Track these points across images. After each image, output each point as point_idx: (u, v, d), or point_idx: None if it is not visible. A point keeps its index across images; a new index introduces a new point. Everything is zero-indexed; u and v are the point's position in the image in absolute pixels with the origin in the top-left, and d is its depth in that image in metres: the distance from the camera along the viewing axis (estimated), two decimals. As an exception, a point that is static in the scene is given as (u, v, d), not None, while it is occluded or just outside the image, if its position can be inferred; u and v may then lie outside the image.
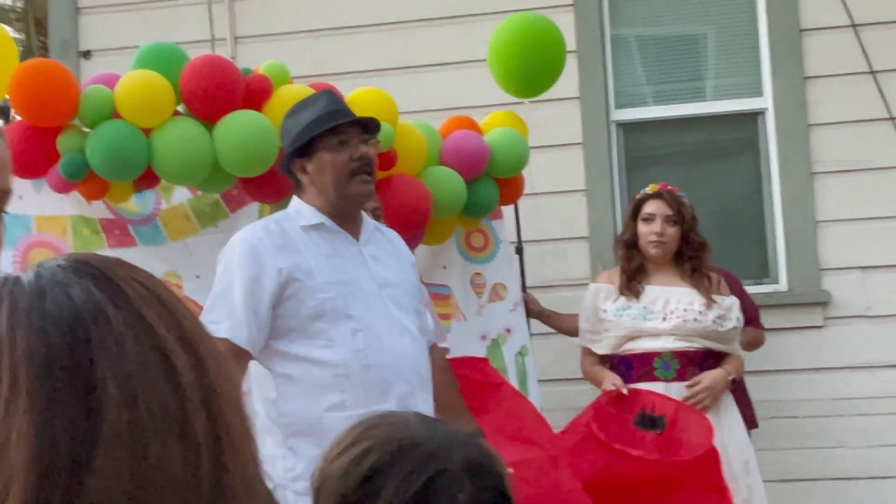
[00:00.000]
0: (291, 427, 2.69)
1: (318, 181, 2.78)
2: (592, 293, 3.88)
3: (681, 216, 3.78)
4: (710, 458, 3.40)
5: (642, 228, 3.81)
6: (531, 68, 3.94)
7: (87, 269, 0.77)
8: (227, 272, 2.72)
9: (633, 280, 3.78)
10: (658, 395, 3.59)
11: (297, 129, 2.79)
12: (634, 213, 3.85)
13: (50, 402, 0.69)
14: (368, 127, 2.83)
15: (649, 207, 3.80)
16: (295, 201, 2.87)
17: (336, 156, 2.74)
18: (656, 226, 3.76)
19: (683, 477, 3.36)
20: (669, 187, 3.86)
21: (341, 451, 1.30)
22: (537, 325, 4.44)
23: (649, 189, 3.86)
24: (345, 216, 2.82)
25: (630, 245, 3.84)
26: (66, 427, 0.69)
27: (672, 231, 3.77)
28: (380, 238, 2.92)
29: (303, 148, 2.77)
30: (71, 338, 0.71)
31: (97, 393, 0.70)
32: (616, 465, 3.39)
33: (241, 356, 2.66)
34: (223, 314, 2.66)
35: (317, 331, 2.68)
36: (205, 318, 2.65)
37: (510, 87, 4.05)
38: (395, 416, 1.36)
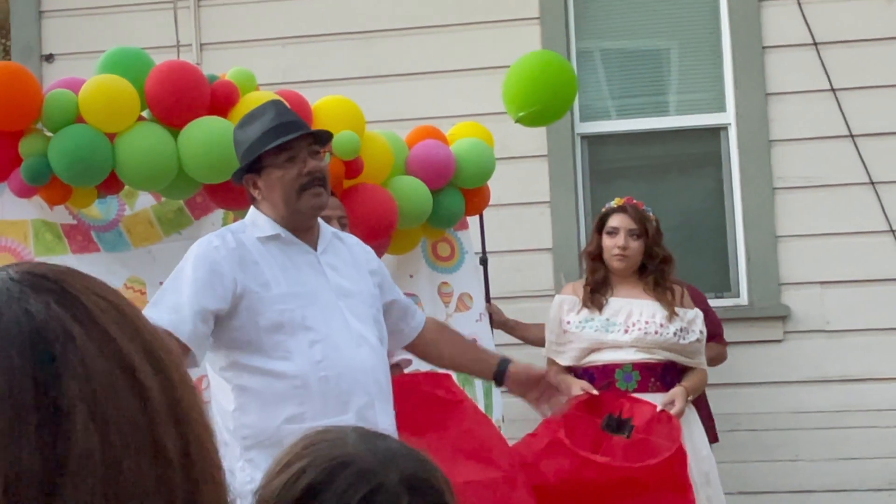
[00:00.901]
0: (250, 439, 2.66)
1: (269, 197, 2.75)
2: (557, 305, 3.90)
3: (644, 230, 3.81)
4: (677, 459, 3.42)
5: (606, 241, 3.83)
6: (550, 103, 4.02)
7: (45, 283, 0.72)
8: (179, 271, 2.68)
9: (596, 292, 3.81)
10: (630, 398, 3.61)
11: (247, 143, 2.75)
12: (599, 226, 3.88)
13: (13, 429, 0.64)
14: (319, 137, 2.81)
15: (613, 221, 3.83)
16: (252, 212, 2.83)
17: (285, 172, 2.71)
18: (620, 239, 3.80)
19: (648, 480, 3.38)
20: (634, 201, 3.89)
21: (279, 470, 1.27)
22: (501, 336, 4.44)
23: (614, 203, 3.89)
24: (299, 227, 2.79)
25: (594, 257, 3.87)
26: (33, 455, 0.64)
27: (635, 244, 3.80)
28: (338, 246, 2.90)
29: (252, 164, 2.74)
30: (34, 358, 0.67)
31: (64, 416, 0.66)
32: (582, 471, 3.40)
33: (182, 351, 2.60)
34: (168, 308, 2.61)
35: (275, 343, 2.66)
36: (149, 311, 2.60)
37: (519, 108, 4.05)
38: (333, 432, 1.33)
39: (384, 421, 2.73)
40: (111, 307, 0.72)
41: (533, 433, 3.55)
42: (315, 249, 2.81)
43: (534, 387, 3.12)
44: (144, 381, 0.70)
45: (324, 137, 2.83)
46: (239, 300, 2.64)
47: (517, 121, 4.05)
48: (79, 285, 0.73)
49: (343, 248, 2.90)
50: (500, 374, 3.06)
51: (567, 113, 4.35)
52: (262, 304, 2.65)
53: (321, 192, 2.75)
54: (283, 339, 2.66)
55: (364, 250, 3.00)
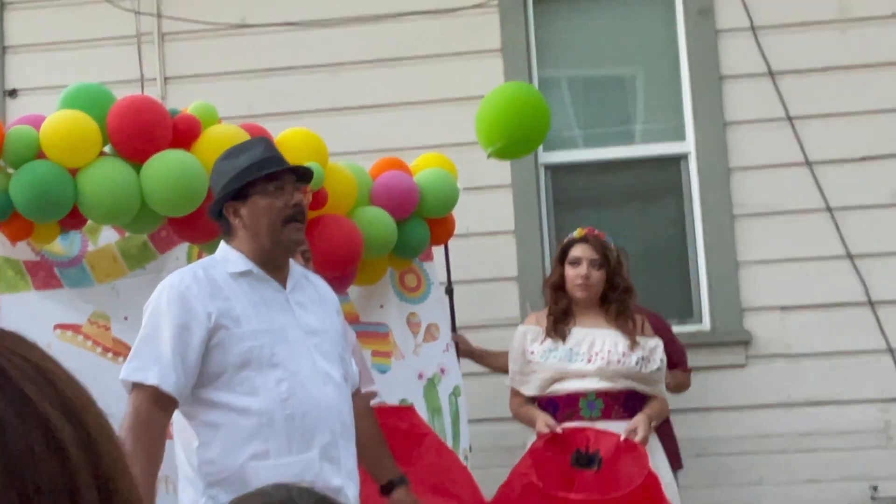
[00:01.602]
0: (213, 476, 2.65)
1: (252, 225, 2.77)
2: (520, 335, 3.94)
3: (606, 260, 3.86)
4: (650, 484, 3.46)
5: (569, 271, 3.88)
6: (523, 139, 4.06)
7: None
8: (154, 318, 2.68)
9: (559, 322, 3.85)
10: (592, 430, 3.64)
11: (233, 172, 2.76)
12: (562, 256, 3.93)
13: None
14: (302, 175, 2.85)
15: (576, 251, 3.88)
16: (223, 247, 2.84)
17: (272, 201, 2.74)
18: (582, 269, 3.84)
19: None
20: (596, 232, 3.94)
21: None
22: (468, 365, 4.47)
23: (576, 233, 3.94)
24: (273, 263, 2.80)
25: (557, 287, 3.91)
26: None
27: (597, 274, 3.85)
28: (306, 285, 2.91)
29: (237, 192, 2.76)
30: None
31: None
32: None
33: (168, 403, 2.64)
34: (150, 360, 2.63)
35: (242, 378, 2.67)
36: (131, 365, 2.64)
37: (494, 141, 4.06)
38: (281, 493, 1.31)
39: (347, 459, 2.76)
40: (30, 367, 0.72)
41: (506, 482, 3.57)
42: (284, 287, 2.83)
43: None
44: (63, 441, 0.70)
45: (307, 177, 2.88)
46: (212, 335, 2.66)
47: (489, 156, 4.07)
48: None
49: (311, 288, 2.93)
50: (386, 488, 2.97)
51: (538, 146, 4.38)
52: (231, 340, 2.67)
53: (301, 227, 2.80)
54: (251, 375, 2.67)
55: (330, 291, 3.02)
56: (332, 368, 2.80)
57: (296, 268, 2.92)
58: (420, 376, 4.23)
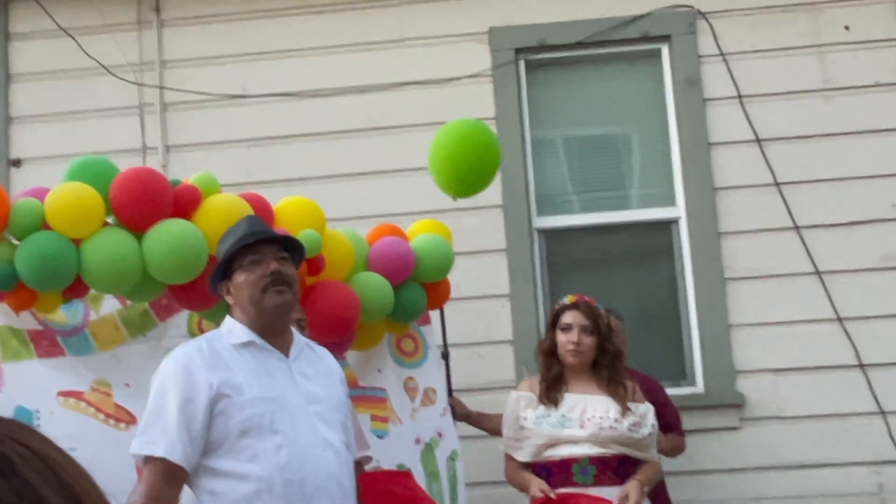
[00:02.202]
0: None
1: (238, 299, 2.91)
2: (514, 401, 3.98)
3: (597, 326, 3.92)
4: None
5: (560, 338, 3.94)
6: (472, 169, 4.11)
7: None
8: (161, 392, 2.79)
9: (552, 389, 3.89)
10: (586, 496, 3.67)
11: (222, 254, 2.94)
12: (553, 322, 3.99)
13: None
14: (288, 245, 2.98)
15: (567, 318, 3.94)
16: (227, 320, 2.97)
17: (249, 274, 2.88)
18: (573, 335, 3.90)
19: None
20: (586, 298, 4.01)
21: None
22: (464, 428, 4.50)
23: (567, 300, 4.00)
24: (271, 331, 2.91)
25: (549, 354, 3.96)
26: None
27: (588, 340, 3.91)
28: (310, 354, 3.02)
29: (224, 271, 2.92)
30: None
31: None
32: None
33: (177, 474, 2.73)
34: (158, 434, 2.73)
35: (243, 446, 2.76)
36: (141, 439, 2.75)
37: (449, 185, 4.16)
38: None
39: None
40: (32, 455, 0.77)
41: None
42: (287, 356, 2.92)
43: None
44: None
45: (291, 244, 2.99)
46: (214, 404, 2.75)
47: (455, 198, 4.17)
48: (0, 436, 0.77)
49: (315, 357, 3.03)
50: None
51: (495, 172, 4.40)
52: (233, 408, 2.76)
53: (284, 290, 2.88)
54: (252, 442, 2.75)
55: (335, 362, 3.12)
56: (333, 435, 2.87)
57: (299, 338, 3.02)
58: (417, 441, 4.26)
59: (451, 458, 4.32)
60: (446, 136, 4.17)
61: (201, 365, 2.79)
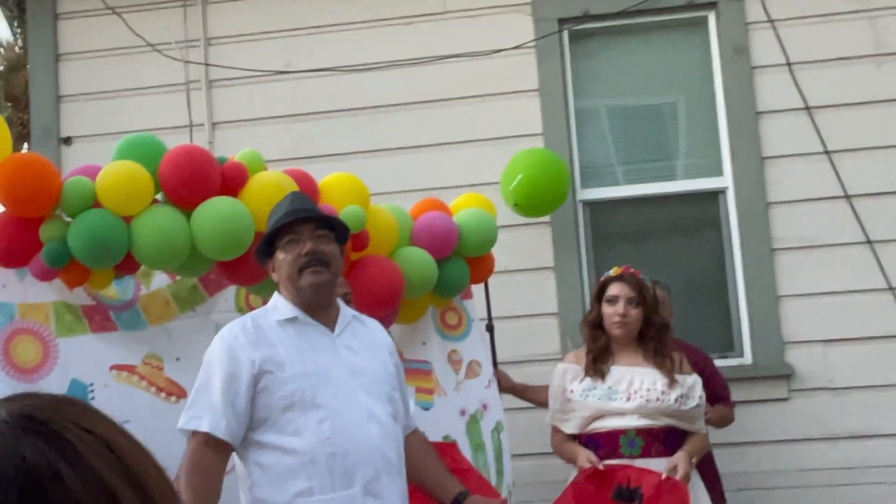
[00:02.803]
0: None
1: (280, 278, 2.97)
2: (560, 374, 3.99)
3: (643, 298, 3.91)
4: None
5: (607, 309, 3.93)
6: (545, 202, 4.48)
7: (34, 424, 0.78)
8: (207, 369, 2.87)
9: (598, 361, 3.89)
10: (633, 467, 3.68)
11: (267, 232, 2.99)
12: (599, 294, 3.98)
13: None
14: (331, 224, 2.99)
15: (613, 289, 3.93)
16: (275, 296, 3.03)
17: (286, 254, 2.93)
18: (620, 307, 3.89)
19: None
20: (632, 270, 4.00)
21: None
22: (509, 401, 4.52)
23: (613, 272, 3.99)
24: (314, 307, 2.96)
25: (595, 326, 3.96)
26: None
27: (635, 312, 3.89)
28: (357, 327, 3.05)
29: (267, 250, 2.97)
30: (29, 501, 0.73)
31: None
32: None
33: (220, 447, 2.81)
34: (203, 409, 2.81)
35: (286, 420, 2.81)
36: (187, 414, 2.84)
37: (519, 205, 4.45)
38: None
39: (392, 495, 2.85)
40: (96, 441, 0.80)
41: None
42: (333, 330, 2.96)
43: None
44: None
45: (332, 223, 3.00)
46: (257, 381, 2.82)
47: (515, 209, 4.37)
48: (64, 422, 0.80)
49: (362, 329, 3.06)
50: (455, 503, 3.04)
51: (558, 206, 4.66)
52: (275, 384, 2.82)
53: (319, 270, 2.91)
54: (295, 416, 2.81)
55: (384, 333, 3.16)
56: (378, 407, 2.90)
57: (346, 311, 3.06)
58: (462, 413, 4.29)
59: (496, 429, 4.34)
60: (539, 160, 4.38)
61: (244, 342, 2.85)
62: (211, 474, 2.79)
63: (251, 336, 2.87)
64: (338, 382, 2.87)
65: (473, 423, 4.31)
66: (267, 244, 2.97)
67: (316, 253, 2.90)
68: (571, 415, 3.89)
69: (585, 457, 3.74)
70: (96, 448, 0.79)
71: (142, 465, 0.81)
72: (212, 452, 2.79)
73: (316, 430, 2.79)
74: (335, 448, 2.79)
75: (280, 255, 2.93)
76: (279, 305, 2.98)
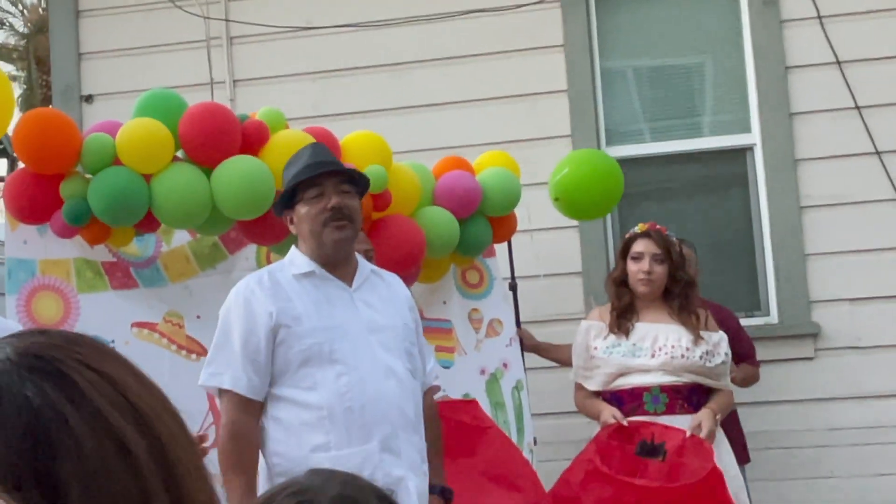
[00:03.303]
0: (279, 467, 2.78)
1: (301, 232, 2.93)
2: (584, 331, 3.96)
3: (668, 255, 3.86)
4: (714, 479, 3.47)
5: (631, 267, 3.89)
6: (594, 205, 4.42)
7: (40, 364, 0.75)
8: (224, 325, 2.85)
9: (622, 318, 3.86)
10: (657, 424, 3.66)
11: (286, 183, 2.94)
12: (624, 251, 3.94)
13: None
14: (351, 176, 2.95)
15: (638, 246, 3.88)
16: (292, 250, 2.99)
17: (310, 207, 2.88)
18: (645, 264, 3.85)
19: (690, 500, 3.42)
20: (658, 226, 3.95)
21: None
22: (532, 360, 4.51)
23: (638, 228, 3.95)
24: (333, 262, 2.92)
25: (620, 283, 3.92)
26: None
27: (660, 269, 3.85)
28: (375, 282, 3.02)
29: (287, 201, 2.92)
30: (32, 443, 0.71)
31: (61, 497, 0.70)
32: (623, 496, 3.45)
33: (250, 408, 2.80)
34: (223, 365, 2.81)
35: (304, 374, 2.80)
36: (207, 370, 2.83)
37: (566, 196, 4.40)
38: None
39: (409, 451, 2.84)
40: (101, 380, 0.77)
41: (569, 468, 3.61)
42: (350, 285, 2.93)
43: None
44: (136, 451, 0.75)
45: (356, 176, 2.96)
46: (275, 334, 2.79)
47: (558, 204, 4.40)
48: (71, 362, 0.77)
49: (381, 284, 3.03)
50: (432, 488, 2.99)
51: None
52: (293, 338, 2.80)
53: (344, 225, 2.88)
54: (312, 371, 2.79)
55: (403, 287, 3.12)
56: (396, 362, 2.88)
57: (364, 266, 3.02)
58: (482, 372, 4.28)
59: (517, 388, 4.33)
60: (598, 164, 4.36)
61: (261, 297, 2.82)
62: (247, 438, 2.79)
63: (267, 290, 2.84)
64: (355, 337, 2.85)
65: (493, 381, 4.30)
66: (288, 195, 2.92)
67: (342, 208, 2.87)
68: (595, 371, 3.86)
69: (610, 413, 3.72)
70: (100, 387, 0.76)
71: (153, 410, 0.79)
72: (243, 416, 2.79)
73: (333, 384, 2.78)
74: (352, 403, 2.77)
75: (303, 209, 2.89)
76: (296, 259, 2.94)
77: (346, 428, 2.76)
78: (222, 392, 2.80)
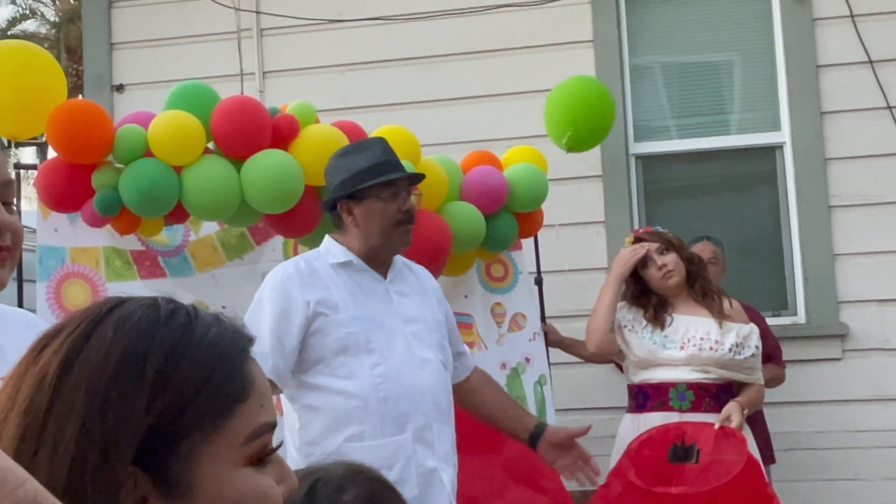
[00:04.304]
0: (313, 456, 2.77)
1: (364, 226, 2.89)
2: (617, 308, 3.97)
3: (668, 242, 3.88)
4: (751, 470, 3.44)
5: (648, 274, 3.89)
6: (587, 129, 4.18)
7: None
8: (257, 306, 2.84)
9: (658, 310, 3.85)
10: (686, 423, 3.64)
11: (350, 171, 2.88)
12: (631, 272, 3.95)
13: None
14: (414, 179, 2.97)
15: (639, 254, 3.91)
16: (327, 240, 2.98)
17: (386, 206, 2.87)
18: (657, 262, 3.86)
19: (730, 495, 3.39)
20: (641, 229, 4.02)
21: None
22: (556, 355, 4.50)
23: (627, 241, 4.00)
24: (378, 259, 2.93)
25: (638, 295, 3.92)
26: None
27: (671, 257, 3.86)
28: (407, 275, 3.02)
29: (353, 191, 2.87)
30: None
31: None
32: None
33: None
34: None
35: (339, 363, 2.79)
36: None
37: (564, 137, 4.22)
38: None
39: (442, 442, 2.84)
40: None
41: (605, 483, 3.59)
42: (385, 278, 2.94)
43: (566, 453, 3.04)
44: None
45: (418, 178, 3.00)
46: (311, 322, 2.79)
47: (566, 149, 4.18)
48: None
49: (412, 277, 3.03)
50: (535, 436, 3.03)
51: (608, 132, 4.41)
52: (330, 326, 2.79)
53: (410, 230, 2.91)
54: (348, 360, 2.79)
55: (433, 280, 3.13)
56: (430, 354, 2.89)
57: (397, 259, 3.02)
58: (503, 366, 4.27)
59: (539, 382, 4.32)
60: (572, 90, 4.15)
61: (299, 283, 2.81)
62: None
63: (305, 277, 2.83)
64: (390, 328, 2.85)
65: (514, 376, 4.29)
66: (354, 187, 2.87)
67: (413, 210, 2.90)
68: (618, 338, 3.87)
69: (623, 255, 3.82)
70: None
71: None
72: None
73: (369, 374, 2.78)
74: (387, 393, 2.77)
75: (376, 204, 2.86)
76: (332, 249, 2.93)
77: (381, 418, 2.76)
78: None
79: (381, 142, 2.99)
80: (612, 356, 4.02)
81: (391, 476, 2.65)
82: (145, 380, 0.82)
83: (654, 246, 3.88)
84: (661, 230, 3.98)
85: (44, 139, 3.60)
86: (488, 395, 3.06)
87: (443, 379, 2.91)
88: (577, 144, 4.22)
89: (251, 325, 2.81)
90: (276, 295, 2.80)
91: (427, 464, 2.79)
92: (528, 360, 4.31)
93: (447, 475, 2.84)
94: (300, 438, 2.83)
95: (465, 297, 4.32)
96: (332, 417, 2.78)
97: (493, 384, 3.17)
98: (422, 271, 3.11)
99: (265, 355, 2.74)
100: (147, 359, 0.83)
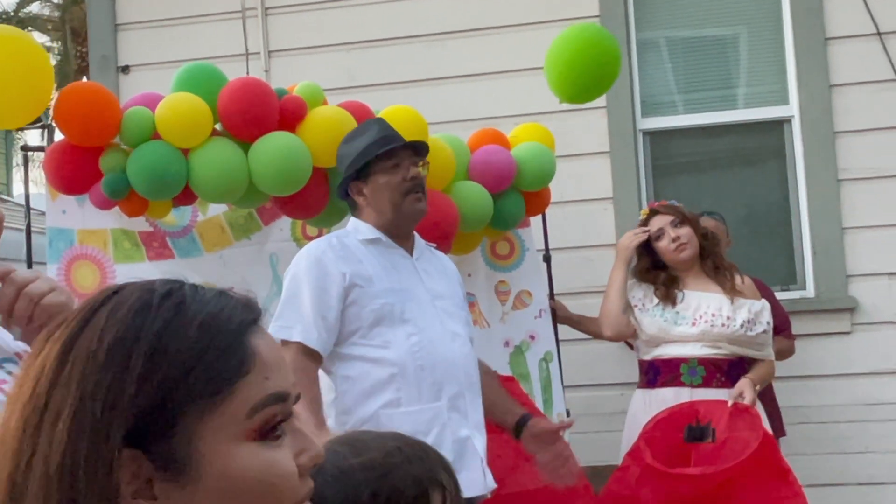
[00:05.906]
0: (348, 424, 2.82)
1: (375, 202, 2.96)
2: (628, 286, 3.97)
3: (682, 215, 3.88)
4: (767, 446, 3.45)
5: (660, 246, 3.88)
6: (589, 74, 3.96)
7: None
8: (294, 282, 2.88)
9: (669, 287, 3.86)
10: (700, 402, 3.64)
11: (353, 154, 2.97)
12: (644, 244, 3.94)
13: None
14: (419, 149, 3.02)
15: (654, 226, 3.91)
16: (352, 221, 3.05)
17: (390, 177, 2.94)
18: (670, 234, 3.86)
19: (746, 474, 3.41)
20: (656, 202, 4.01)
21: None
22: (565, 332, 4.50)
23: (642, 215, 4.00)
24: (399, 233, 3.00)
25: (647, 270, 3.92)
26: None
27: (685, 230, 3.87)
28: (430, 256, 3.11)
29: (359, 171, 2.96)
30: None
31: None
32: (680, 488, 3.43)
33: (313, 357, 2.83)
34: (294, 319, 2.83)
35: (375, 333, 2.86)
36: (276, 324, 2.82)
37: (562, 89, 4.03)
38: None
39: (473, 412, 2.91)
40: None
41: (621, 466, 3.60)
42: (411, 255, 3.01)
43: (547, 447, 3.06)
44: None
45: (423, 150, 3.04)
46: (347, 294, 2.85)
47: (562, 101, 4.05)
48: None
49: (435, 259, 3.12)
50: (518, 427, 3.06)
51: (614, 81, 4.26)
52: (365, 298, 2.86)
53: (421, 197, 2.96)
54: (384, 330, 2.85)
55: (452, 265, 3.21)
56: (459, 328, 2.97)
57: (420, 240, 3.10)
58: (506, 344, 4.28)
59: (545, 359, 4.32)
60: (571, 39, 4.04)
61: (333, 258, 2.87)
62: (313, 378, 2.81)
63: (338, 251, 2.90)
64: (422, 301, 2.92)
65: (518, 353, 4.30)
66: (359, 166, 2.95)
67: (419, 179, 2.94)
68: (628, 315, 3.87)
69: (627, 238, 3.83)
70: None
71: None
72: (308, 360, 2.81)
73: (405, 343, 2.84)
74: (424, 361, 2.84)
75: (382, 178, 2.94)
76: (360, 227, 3.00)
77: (418, 385, 2.82)
78: (287, 342, 2.79)
79: (378, 121, 3.08)
80: (627, 337, 4.03)
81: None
82: (133, 364, 0.82)
83: (669, 219, 3.88)
84: (676, 204, 3.97)
85: (50, 121, 3.59)
86: (484, 385, 3.09)
87: (471, 352, 3.00)
88: (578, 94, 4.06)
89: (290, 302, 2.84)
90: (314, 269, 2.86)
91: (461, 432, 2.86)
92: (532, 337, 4.32)
93: (479, 443, 2.91)
94: (336, 408, 2.88)
95: (469, 276, 4.32)
96: (367, 385, 2.83)
97: (489, 374, 3.21)
98: (443, 256, 3.21)
99: (309, 328, 2.80)
100: (136, 343, 0.83)
